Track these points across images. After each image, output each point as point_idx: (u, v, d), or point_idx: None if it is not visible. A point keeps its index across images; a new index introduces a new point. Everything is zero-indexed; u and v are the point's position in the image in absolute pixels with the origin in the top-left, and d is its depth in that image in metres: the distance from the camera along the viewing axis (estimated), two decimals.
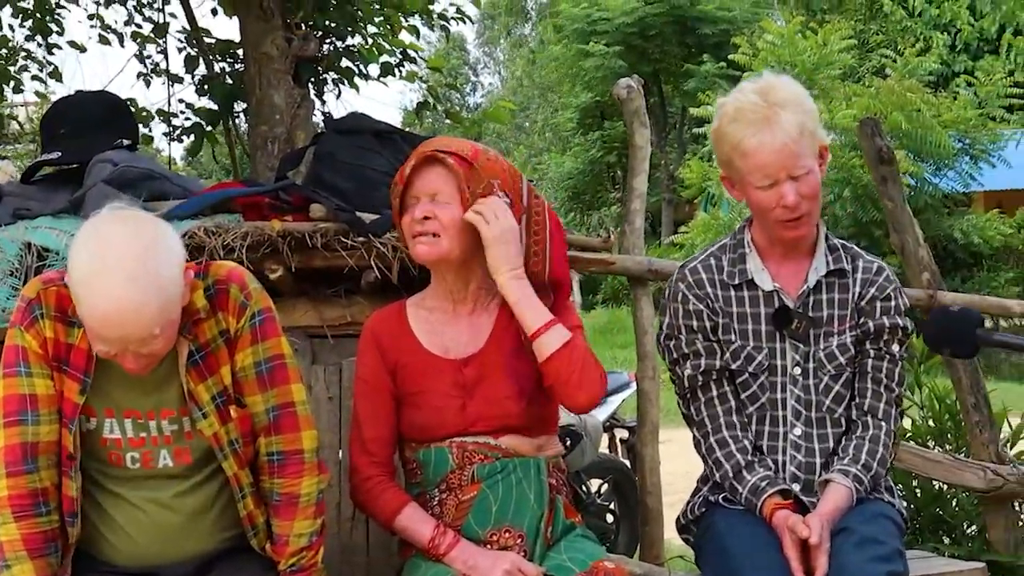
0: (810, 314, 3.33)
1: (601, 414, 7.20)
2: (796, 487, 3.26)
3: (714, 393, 3.36)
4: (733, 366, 3.34)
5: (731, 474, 3.27)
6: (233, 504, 3.05)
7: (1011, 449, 5.43)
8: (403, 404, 3.26)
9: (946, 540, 5.37)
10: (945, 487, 5.40)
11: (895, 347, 3.36)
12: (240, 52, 6.44)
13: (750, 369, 3.33)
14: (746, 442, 3.31)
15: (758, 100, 3.18)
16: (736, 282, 3.36)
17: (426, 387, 3.23)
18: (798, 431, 3.31)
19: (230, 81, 6.79)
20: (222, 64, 6.94)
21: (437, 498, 3.22)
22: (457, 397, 3.21)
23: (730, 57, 22.32)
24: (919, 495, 5.46)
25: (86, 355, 2.87)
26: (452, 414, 3.21)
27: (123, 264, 2.63)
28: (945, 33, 25.02)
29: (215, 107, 6.87)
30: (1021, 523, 5.23)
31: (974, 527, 5.42)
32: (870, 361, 3.35)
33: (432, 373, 3.24)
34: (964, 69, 24.24)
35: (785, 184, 3.16)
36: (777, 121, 3.14)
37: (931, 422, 5.58)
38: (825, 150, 3.27)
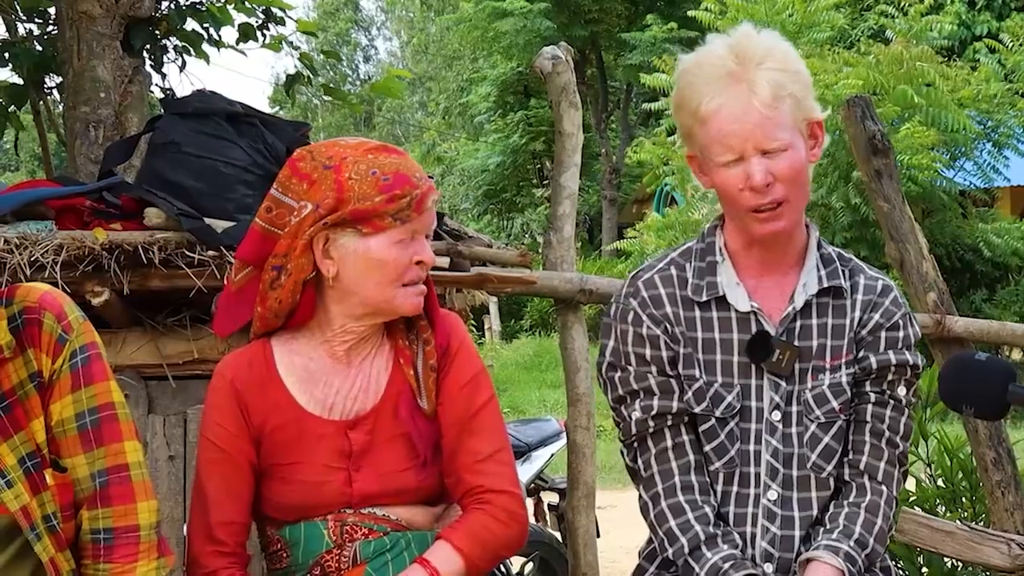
0: (796, 343, 3.30)
1: (524, 474, 7.19)
2: (768, 568, 3.26)
3: (669, 444, 3.33)
4: (696, 409, 3.30)
5: (687, 550, 3.24)
6: None
7: None
8: (267, 477, 3.21)
9: None
10: (959, 565, 5.45)
11: (901, 390, 3.34)
12: (52, 10, 6.41)
13: (717, 413, 3.29)
14: (707, 509, 3.28)
15: (724, 54, 3.17)
16: (703, 299, 3.32)
17: (301, 457, 3.18)
18: (773, 494, 3.29)
19: (39, 48, 6.74)
20: (29, 26, 6.89)
21: None
22: (341, 469, 3.17)
23: (690, 13, 22.20)
24: (925, 575, 5.51)
25: None
26: (333, 491, 3.17)
27: None
28: None
29: (20, 81, 6.82)
30: None
31: None
32: (870, 407, 3.33)
33: (310, 440, 3.18)
34: (987, 31, 24.36)
35: (753, 159, 3.14)
36: (745, 79, 3.12)
37: (940, 482, 5.62)
38: (819, 127, 3.25)
